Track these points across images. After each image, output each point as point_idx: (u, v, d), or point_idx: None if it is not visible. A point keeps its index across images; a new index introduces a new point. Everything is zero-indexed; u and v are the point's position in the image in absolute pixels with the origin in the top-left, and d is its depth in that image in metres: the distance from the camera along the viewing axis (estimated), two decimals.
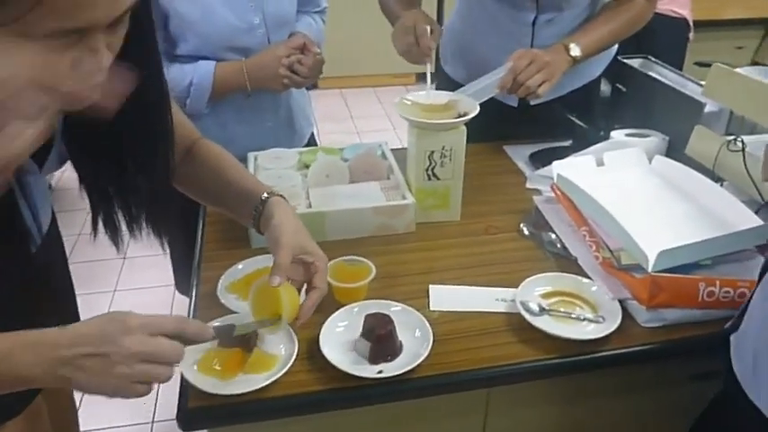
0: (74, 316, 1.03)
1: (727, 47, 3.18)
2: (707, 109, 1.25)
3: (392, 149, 1.45)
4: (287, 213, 0.92)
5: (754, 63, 3.24)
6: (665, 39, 2.54)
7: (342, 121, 4.15)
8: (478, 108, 1.19)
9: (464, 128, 1.19)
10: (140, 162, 0.79)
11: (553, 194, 1.27)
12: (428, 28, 1.29)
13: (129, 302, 2.54)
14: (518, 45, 1.46)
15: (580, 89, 1.56)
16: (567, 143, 1.54)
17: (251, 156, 1.38)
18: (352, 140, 3.91)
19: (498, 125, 1.52)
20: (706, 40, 3.02)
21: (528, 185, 1.40)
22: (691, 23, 2.81)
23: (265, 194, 0.93)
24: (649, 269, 1.00)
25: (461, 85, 1.62)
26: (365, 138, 3.95)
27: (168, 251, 1.51)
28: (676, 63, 2.65)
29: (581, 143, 1.50)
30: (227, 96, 1.42)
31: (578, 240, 1.16)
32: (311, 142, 1.68)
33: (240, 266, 1.09)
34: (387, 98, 4.50)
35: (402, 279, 1.10)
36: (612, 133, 1.39)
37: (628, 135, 1.39)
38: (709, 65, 2.73)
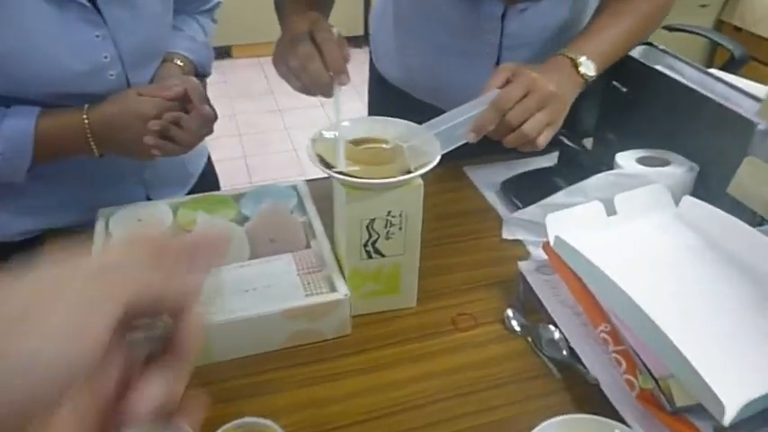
0: None
1: (691, 5, 2.85)
2: (760, 127, 0.87)
3: (312, 181, 1.02)
4: None
5: (720, 22, 2.92)
6: None
7: (260, 98, 3.63)
8: (439, 157, 0.77)
9: (421, 182, 0.77)
10: None
11: (544, 255, 0.89)
12: (336, 30, 0.79)
13: None
14: (480, 46, 1.04)
15: None
16: (550, 163, 1.16)
17: (101, 217, 0.92)
18: (274, 121, 3.43)
19: None
20: None
21: (505, 235, 1.01)
22: None
23: None
24: (726, 423, 0.63)
25: (398, 90, 1.19)
26: (288, 117, 3.45)
27: None
28: None
29: (568, 162, 1.12)
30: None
31: (595, 344, 0.78)
32: (206, 176, 1.19)
33: None
34: None
35: None
36: (618, 158, 1.00)
37: (639, 160, 1.00)
38: (681, 30, 2.39)
